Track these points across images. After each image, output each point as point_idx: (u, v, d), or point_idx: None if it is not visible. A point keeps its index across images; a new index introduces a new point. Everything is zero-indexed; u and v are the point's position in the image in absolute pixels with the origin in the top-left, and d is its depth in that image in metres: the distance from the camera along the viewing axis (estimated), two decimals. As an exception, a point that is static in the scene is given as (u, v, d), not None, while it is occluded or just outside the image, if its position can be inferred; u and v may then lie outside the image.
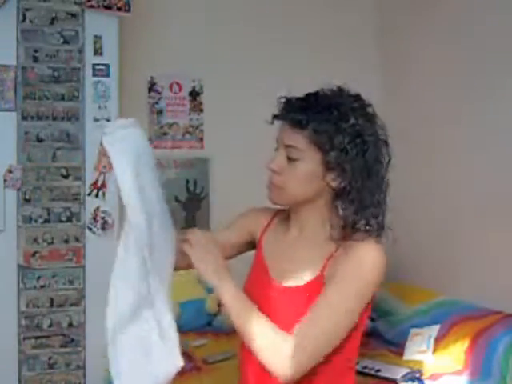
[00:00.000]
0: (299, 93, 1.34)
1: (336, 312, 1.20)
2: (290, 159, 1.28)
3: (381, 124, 1.29)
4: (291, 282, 1.31)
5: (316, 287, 1.25)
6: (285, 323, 1.23)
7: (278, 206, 1.39)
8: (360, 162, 1.25)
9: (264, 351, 1.20)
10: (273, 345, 1.20)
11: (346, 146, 1.24)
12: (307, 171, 1.27)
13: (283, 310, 1.28)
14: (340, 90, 1.31)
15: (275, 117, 1.31)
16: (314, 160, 1.26)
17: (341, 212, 1.27)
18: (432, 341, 2.33)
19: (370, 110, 1.29)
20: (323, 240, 1.30)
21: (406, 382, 2.16)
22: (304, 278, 1.29)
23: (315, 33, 3.27)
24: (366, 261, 1.23)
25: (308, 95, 1.31)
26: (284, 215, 1.43)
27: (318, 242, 1.32)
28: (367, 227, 1.26)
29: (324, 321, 1.20)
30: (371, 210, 1.27)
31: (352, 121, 1.25)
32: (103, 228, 2.54)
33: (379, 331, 2.72)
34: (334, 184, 1.27)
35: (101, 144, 1.31)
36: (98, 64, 2.56)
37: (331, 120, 1.24)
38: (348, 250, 1.25)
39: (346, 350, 1.25)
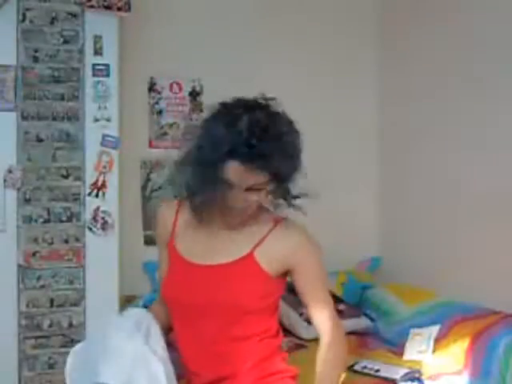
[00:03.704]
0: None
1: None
2: (258, 189, 1.47)
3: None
4: (219, 261, 1.54)
5: (245, 264, 1.53)
6: (215, 299, 1.50)
7: (168, 206, 1.66)
8: (295, 166, 1.50)
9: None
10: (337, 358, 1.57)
11: (293, 164, 1.49)
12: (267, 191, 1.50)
13: (215, 286, 1.51)
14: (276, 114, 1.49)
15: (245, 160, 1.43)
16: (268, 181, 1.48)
17: (272, 201, 1.56)
18: (432, 341, 2.33)
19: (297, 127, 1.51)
20: (252, 223, 1.57)
21: (406, 382, 2.16)
22: (233, 255, 1.54)
23: (316, 33, 3.27)
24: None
25: (256, 128, 1.43)
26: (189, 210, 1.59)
27: (247, 226, 1.57)
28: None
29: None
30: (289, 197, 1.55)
31: (297, 146, 1.49)
32: (103, 228, 2.54)
33: (379, 331, 2.72)
34: (272, 187, 1.50)
35: None
36: (98, 64, 2.56)
37: (287, 154, 1.45)
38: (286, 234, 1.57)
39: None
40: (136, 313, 1.56)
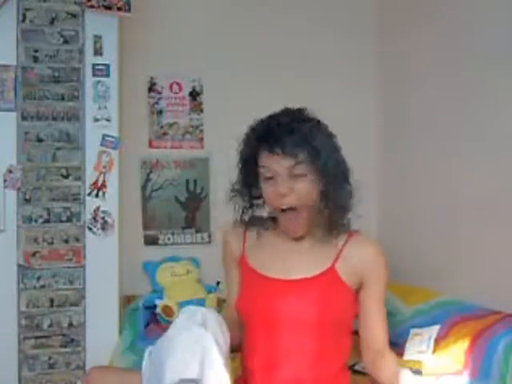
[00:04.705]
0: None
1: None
2: (295, 176, 1.47)
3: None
4: (298, 276, 1.53)
5: (329, 278, 1.53)
6: (298, 314, 1.48)
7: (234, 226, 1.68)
8: (339, 166, 1.53)
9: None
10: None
11: (331, 155, 1.51)
12: (310, 182, 1.49)
13: (298, 300, 1.50)
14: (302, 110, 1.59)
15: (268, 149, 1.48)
16: (311, 171, 1.48)
17: (329, 210, 1.53)
18: (432, 341, 2.33)
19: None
20: (321, 237, 1.57)
21: (406, 382, 2.15)
22: (313, 270, 1.53)
23: (316, 32, 3.27)
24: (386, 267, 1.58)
25: (286, 118, 1.51)
26: (259, 226, 1.64)
27: (317, 240, 1.57)
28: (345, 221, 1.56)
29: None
30: (348, 206, 1.55)
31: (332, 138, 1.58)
32: (103, 228, 2.54)
33: (379, 331, 2.72)
34: (325, 188, 1.50)
35: None
36: (98, 64, 2.56)
37: (318, 136, 1.50)
38: (361, 250, 1.56)
39: None
40: (190, 309, 1.49)
